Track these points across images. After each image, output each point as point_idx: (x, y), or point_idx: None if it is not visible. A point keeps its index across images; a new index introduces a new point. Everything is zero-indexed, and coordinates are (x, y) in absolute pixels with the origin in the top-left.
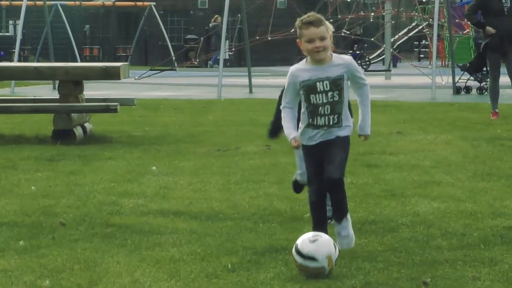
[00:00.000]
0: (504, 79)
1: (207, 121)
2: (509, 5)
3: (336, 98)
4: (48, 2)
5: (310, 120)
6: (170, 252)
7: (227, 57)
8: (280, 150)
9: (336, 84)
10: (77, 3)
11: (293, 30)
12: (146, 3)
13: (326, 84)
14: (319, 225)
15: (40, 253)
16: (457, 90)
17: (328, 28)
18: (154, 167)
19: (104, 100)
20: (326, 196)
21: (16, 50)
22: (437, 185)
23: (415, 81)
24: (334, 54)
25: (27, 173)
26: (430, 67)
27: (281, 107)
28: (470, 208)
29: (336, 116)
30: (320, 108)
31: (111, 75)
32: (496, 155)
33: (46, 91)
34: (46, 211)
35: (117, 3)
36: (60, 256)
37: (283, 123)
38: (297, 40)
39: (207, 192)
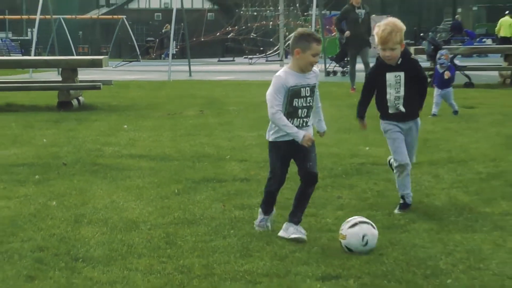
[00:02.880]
0: (359, 65)
1: (161, 95)
2: (362, 17)
3: (311, 103)
4: (54, 16)
5: (289, 120)
6: (136, 182)
7: (174, 52)
8: (210, 113)
9: (313, 90)
10: (73, 16)
11: (218, 33)
12: (119, 16)
13: (307, 90)
14: (270, 206)
15: (49, 183)
16: (327, 73)
17: None
18: (126, 126)
19: (92, 81)
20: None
21: (33, 48)
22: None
23: None
24: None
25: (40, 130)
26: None
27: (273, 111)
28: (336, 151)
29: (307, 118)
30: (300, 110)
31: (96, 64)
32: (353, 116)
33: (53, 75)
34: (53, 155)
35: (100, 16)
36: (63, 185)
37: (284, 126)
38: (297, 49)
39: (161, 142)
